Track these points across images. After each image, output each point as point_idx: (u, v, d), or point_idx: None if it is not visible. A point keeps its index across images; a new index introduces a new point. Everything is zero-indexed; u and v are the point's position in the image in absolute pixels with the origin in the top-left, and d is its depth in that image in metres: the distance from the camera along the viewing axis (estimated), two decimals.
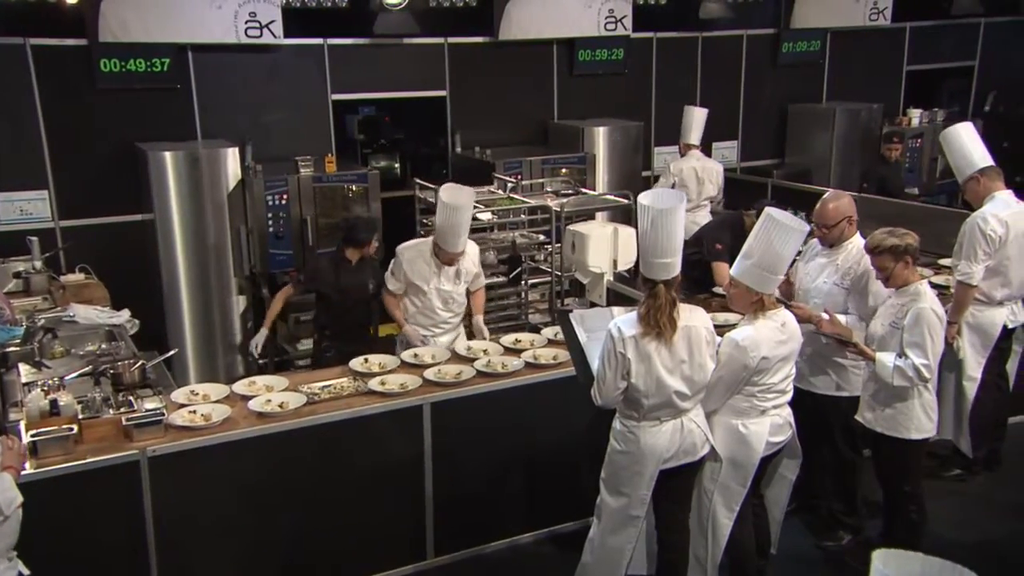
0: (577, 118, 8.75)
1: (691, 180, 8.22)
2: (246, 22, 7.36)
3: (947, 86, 11.28)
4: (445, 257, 5.46)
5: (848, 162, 9.49)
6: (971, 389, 5.36)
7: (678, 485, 4.09)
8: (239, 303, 7.44)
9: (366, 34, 7.88)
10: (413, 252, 5.58)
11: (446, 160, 9.13)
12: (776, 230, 3.86)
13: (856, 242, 4.83)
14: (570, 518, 5.19)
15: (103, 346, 5.59)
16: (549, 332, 5.56)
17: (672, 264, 3.76)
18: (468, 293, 5.75)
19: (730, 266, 5.85)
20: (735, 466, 4.05)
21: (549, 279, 6.51)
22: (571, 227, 5.51)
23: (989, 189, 5.42)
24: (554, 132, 8.75)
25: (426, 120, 9.34)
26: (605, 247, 5.38)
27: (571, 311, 4.11)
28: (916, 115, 9.71)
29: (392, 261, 5.65)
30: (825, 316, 4.52)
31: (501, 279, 6.09)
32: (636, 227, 4.00)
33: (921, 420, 4.32)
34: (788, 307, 4.25)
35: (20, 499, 3.27)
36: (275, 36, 7.48)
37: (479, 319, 5.71)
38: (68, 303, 6.10)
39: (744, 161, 9.76)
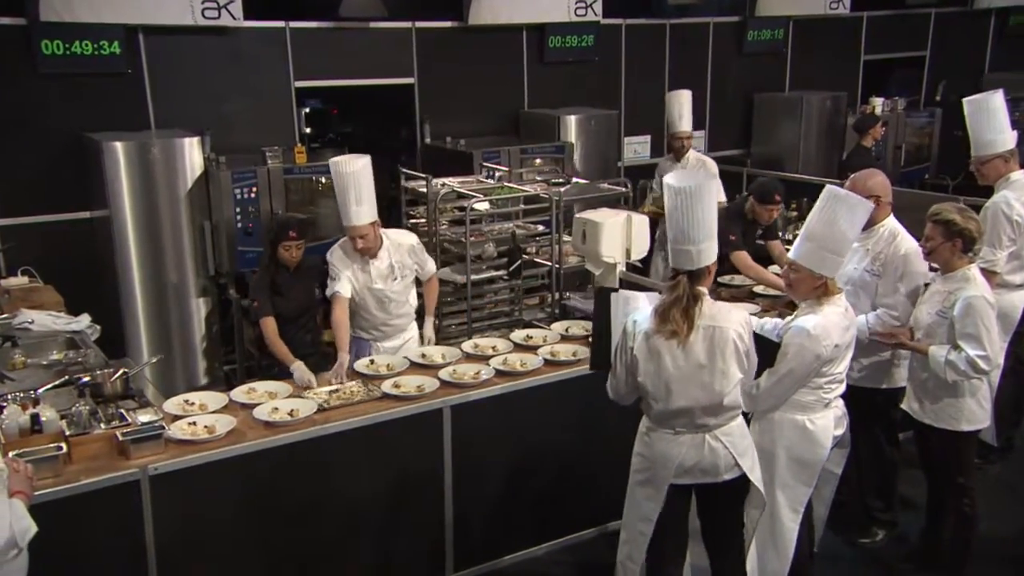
0: (548, 106, 8.45)
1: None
2: (203, 2, 6.82)
3: (896, 76, 11.36)
4: (352, 235, 4.90)
5: (816, 151, 9.43)
6: (995, 376, 5.23)
7: (715, 506, 3.67)
8: (201, 306, 6.89)
9: (330, 17, 7.44)
10: (338, 252, 5.04)
11: (409, 152, 8.73)
12: (840, 207, 3.60)
13: (889, 225, 4.62)
14: (600, 522, 4.93)
15: (69, 354, 5.05)
16: (559, 327, 5.25)
17: (697, 253, 3.37)
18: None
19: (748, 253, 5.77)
20: (801, 465, 3.77)
21: (544, 271, 6.20)
22: (581, 215, 5.19)
23: (1010, 170, 5.32)
24: (526, 121, 8.43)
25: (385, 111, 8.93)
26: (618, 236, 5.07)
27: (616, 289, 3.77)
28: (878, 103, 9.71)
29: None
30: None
31: (500, 273, 5.73)
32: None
33: (974, 411, 4.15)
34: None
35: (34, 528, 2.81)
36: (234, 18, 6.96)
37: (428, 324, 5.22)
38: (18, 309, 5.52)
39: (711, 151, 9.57)
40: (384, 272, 5.06)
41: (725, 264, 5.90)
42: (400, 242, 5.13)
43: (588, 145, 8.16)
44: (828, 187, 3.71)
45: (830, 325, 3.65)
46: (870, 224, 4.56)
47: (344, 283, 4.98)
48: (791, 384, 3.69)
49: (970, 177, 9.90)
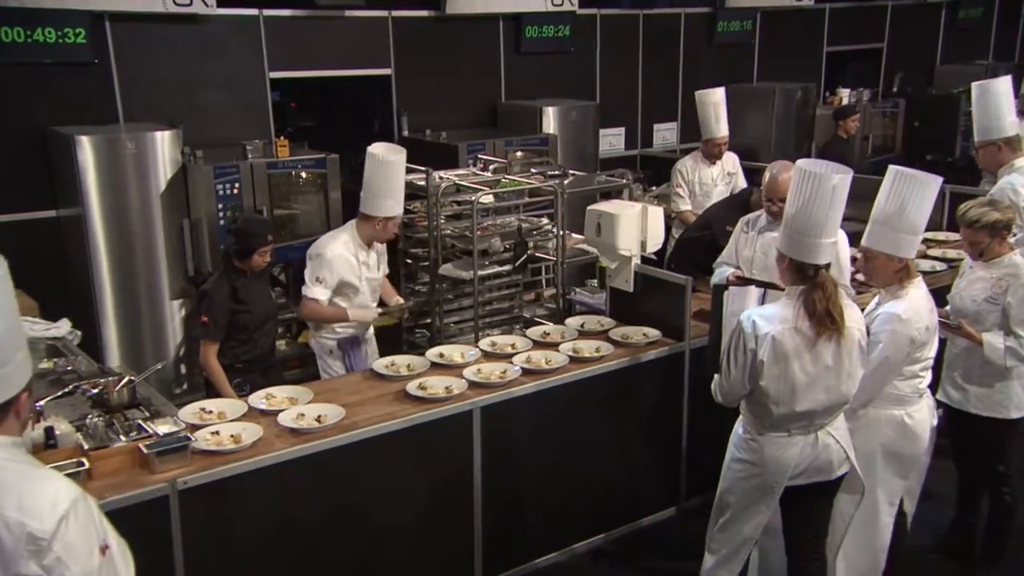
0: (524, 98, 8.29)
1: None
2: None
3: (851, 68, 11.50)
4: (385, 226, 5.00)
5: (786, 142, 9.45)
6: None
7: (812, 506, 3.57)
8: (178, 309, 6.54)
9: (306, 5, 7.15)
10: (337, 247, 4.96)
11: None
12: (909, 186, 3.49)
13: None
14: (629, 520, 4.88)
15: (59, 362, 4.71)
16: (574, 322, 5.11)
17: (830, 246, 3.30)
18: None
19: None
20: (899, 460, 3.68)
21: (545, 265, 6.05)
22: (595, 207, 5.04)
23: (1008, 158, 5.37)
24: (503, 113, 8.25)
25: (347, 104, 8.67)
26: (634, 228, 4.93)
27: (727, 286, 3.63)
28: (846, 94, 9.80)
29: (310, 267, 4.99)
30: None
31: (506, 267, 5.55)
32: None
33: (1021, 396, 4.13)
34: None
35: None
36: (206, 5, 6.63)
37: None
38: None
39: (683, 143, 9.55)
40: (375, 262, 5.15)
41: (705, 251, 5.82)
42: None
43: (566, 137, 8.01)
44: (892, 167, 3.61)
45: (919, 308, 3.58)
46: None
47: (323, 291, 4.94)
48: (886, 372, 3.59)
49: (929, 167, 10.14)
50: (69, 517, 2.05)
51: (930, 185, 3.54)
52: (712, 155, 7.25)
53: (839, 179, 3.25)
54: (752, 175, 7.90)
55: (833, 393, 3.36)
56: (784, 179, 4.41)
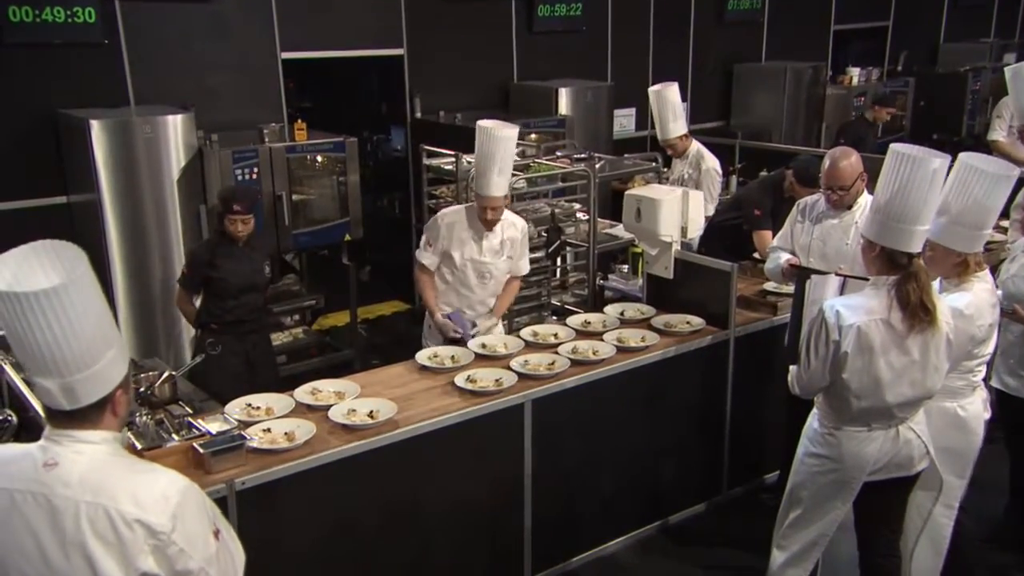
0: (536, 78, 8.16)
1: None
2: None
3: (854, 47, 11.44)
4: (485, 204, 4.62)
5: (797, 121, 9.39)
6: None
7: (889, 501, 3.45)
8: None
9: None
10: (453, 215, 4.82)
11: (377, 127, 8.38)
12: (977, 180, 3.31)
13: (867, 198, 4.36)
14: (671, 511, 4.82)
15: None
16: (613, 311, 5.00)
17: (923, 233, 3.17)
18: None
19: (773, 232, 5.55)
20: (954, 456, 3.56)
21: (581, 251, 5.95)
22: (633, 192, 4.93)
23: None
24: (516, 93, 8.11)
25: (353, 83, 8.53)
26: (676, 213, 4.83)
27: (813, 271, 3.51)
28: (855, 74, 9.73)
29: (426, 229, 4.90)
30: None
31: (538, 254, 5.44)
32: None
33: None
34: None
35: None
36: None
37: (496, 324, 4.96)
38: None
39: (693, 123, 9.37)
40: (495, 247, 4.83)
41: (732, 235, 5.70)
42: (514, 221, 4.90)
43: (580, 118, 7.90)
44: (962, 156, 3.43)
45: (981, 304, 3.47)
46: (854, 200, 4.40)
47: (432, 256, 4.80)
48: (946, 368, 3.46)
49: (935, 147, 10.14)
50: (183, 507, 2.04)
51: (1002, 178, 3.34)
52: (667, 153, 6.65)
53: (939, 163, 3.10)
54: (770, 157, 7.85)
55: (918, 388, 3.26)
56: (844, 166, 4.30)
